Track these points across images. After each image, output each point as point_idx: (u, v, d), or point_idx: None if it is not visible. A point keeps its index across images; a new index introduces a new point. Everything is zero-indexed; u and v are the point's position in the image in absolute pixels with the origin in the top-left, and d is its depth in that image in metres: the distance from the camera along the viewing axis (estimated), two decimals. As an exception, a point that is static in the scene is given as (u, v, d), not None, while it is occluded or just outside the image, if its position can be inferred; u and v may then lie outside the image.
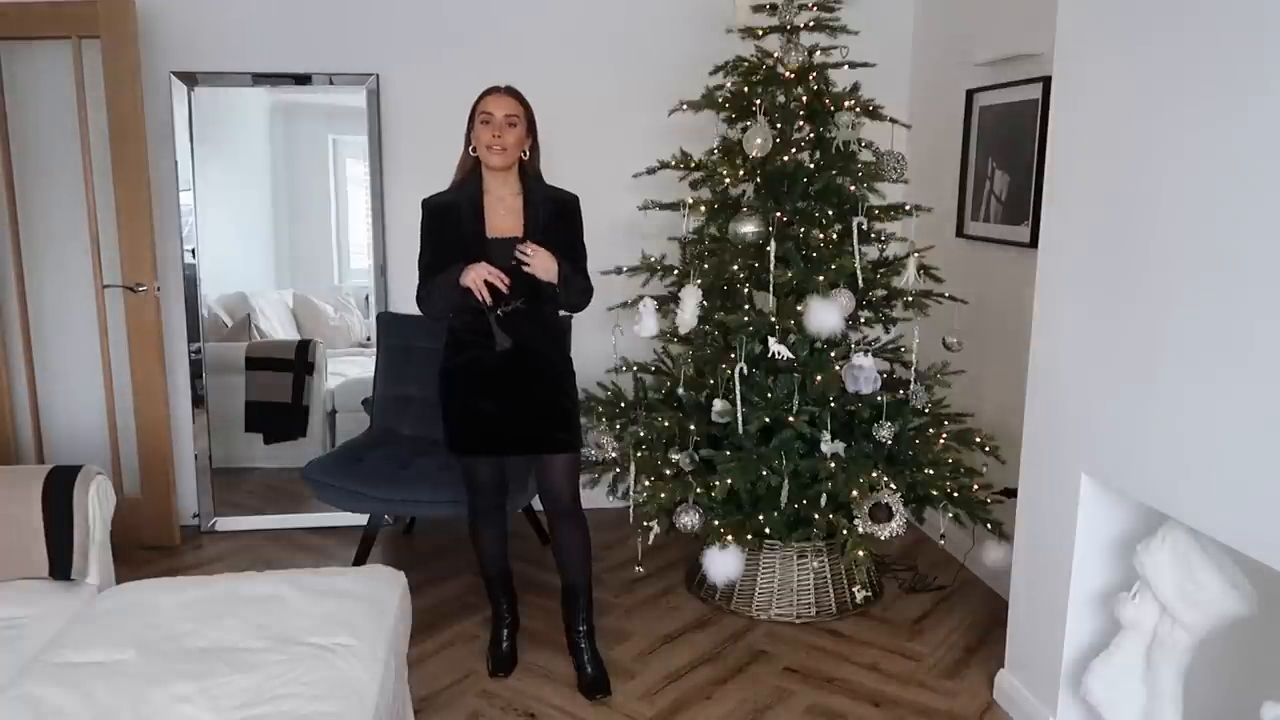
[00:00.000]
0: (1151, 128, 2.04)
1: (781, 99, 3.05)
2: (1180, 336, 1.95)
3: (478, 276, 2.42)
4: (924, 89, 3.93)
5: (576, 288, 2.57)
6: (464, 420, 2.62)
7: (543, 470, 2.66)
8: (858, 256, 2.96)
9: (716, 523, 2.92)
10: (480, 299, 2.43)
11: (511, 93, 2.51)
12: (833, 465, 2.88)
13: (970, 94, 3.51)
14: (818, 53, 3.09)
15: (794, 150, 3.01)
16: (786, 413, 2.93)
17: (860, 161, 3.09)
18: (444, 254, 2.52)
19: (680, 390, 3.15)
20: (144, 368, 3.60)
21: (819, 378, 2.92)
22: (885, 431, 2.94)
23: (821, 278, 2.90)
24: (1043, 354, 2.47)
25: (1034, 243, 2.75)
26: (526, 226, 2.51)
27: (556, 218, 2.56)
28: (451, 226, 2.53)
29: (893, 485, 2.81)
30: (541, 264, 2.45)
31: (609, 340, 3.27)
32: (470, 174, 2.55)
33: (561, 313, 2.69)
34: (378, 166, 3.82)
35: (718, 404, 3.00)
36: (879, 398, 2.97)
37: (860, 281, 2.98)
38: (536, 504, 3.39)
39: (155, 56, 3.61)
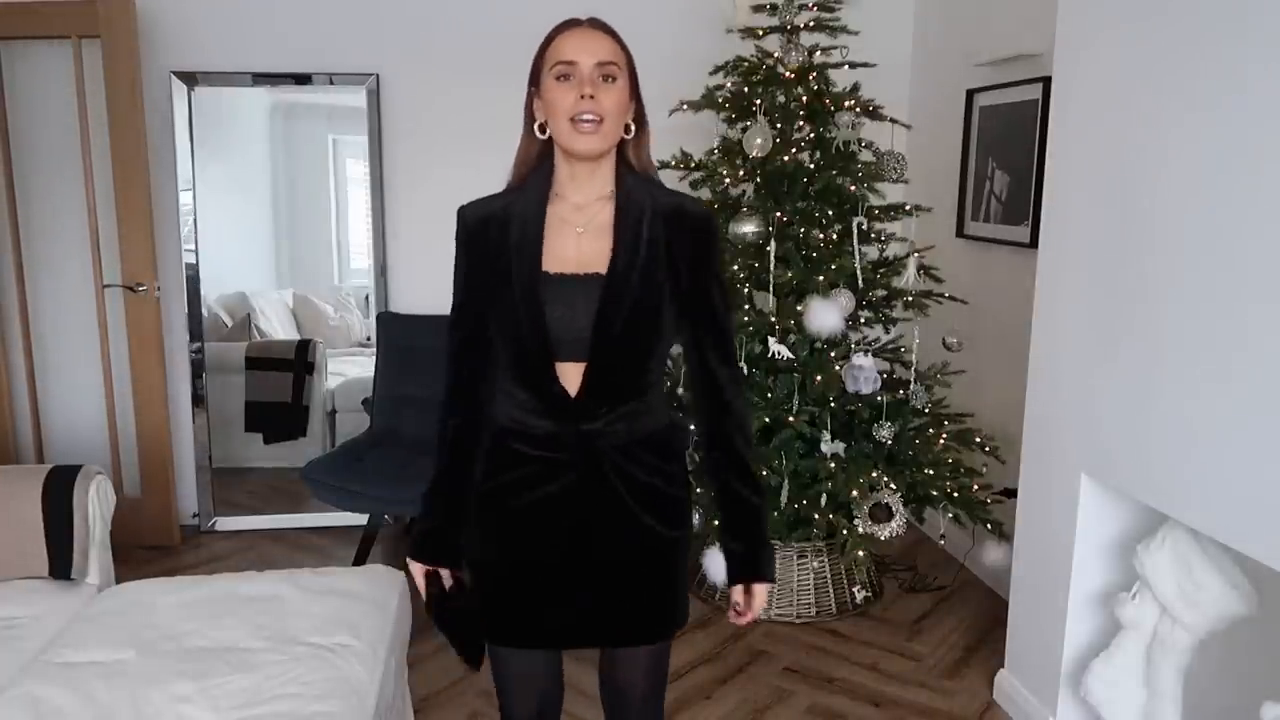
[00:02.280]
0: (1151, 128, 2.04)
1: (781, 99, 3.05)
2: (1180, 336, 1.95)
3: (422, 586, 1.61)
4: (924, 89, 3.93)
5: (755, 520, 1.58)
6: (505, 584, 1.59)
7: (613, 659, 1.71)
8: (858, 256, 2.96)
9: (716, 523, 2.92)
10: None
11: (602, 27, 1.47)
12: (833, 465, 2.88)
13: (970, 94, 3.51)
14: (818, 53, 3.09)
15: (794, 150, 3.01)
16: (786, 413, 2.93)
17: (860, 161, 3.09)
18: (479, 295, 1.52)
19: (680, 390, 3.15)
20: (144, 368, 3.60)
21: (819, 378, 2.92)
22: (885, 431, 2.94)
23: (821, 278, 2.91)
24: (1043, 354, 2.47)
25: (1034, 243, 2.75)
26: (616, 260, 1.45)
27: (675, 244, 1.48)
28: (494, 253, 1.49)
29: (893, 485, 2.81)
30: (762, 603, 1.58)
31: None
32: (535, 168, 1.51)
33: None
34: (378, 166, 3.82)
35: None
36: (879, 398, 2.97)
37: (860, 281, 2.98)
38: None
39: (155, 56, 3.61)
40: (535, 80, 1.47)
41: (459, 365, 1.56)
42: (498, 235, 1.49)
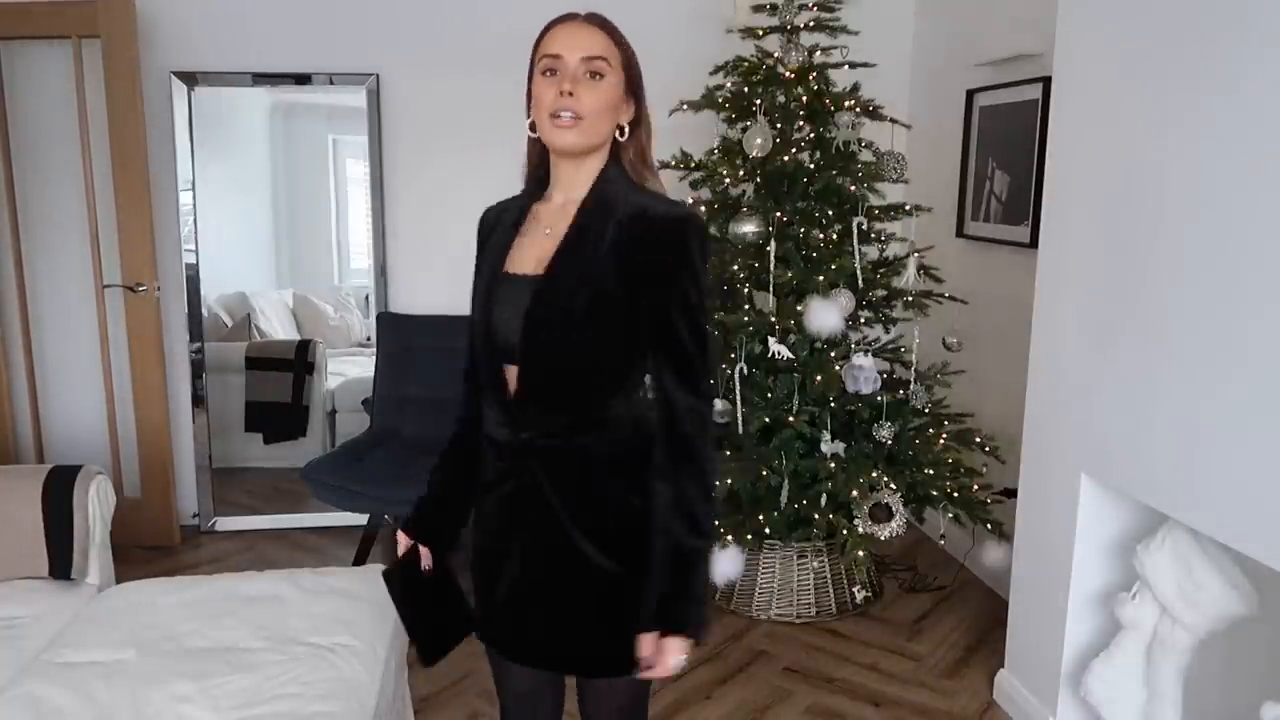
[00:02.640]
0: (1151, 127, 2.04)
1: (781, 99, 3.04)
2: (1180, 336, 1.95)
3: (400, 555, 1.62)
4: (924, 89, 3.93)
5: (687, 573, 1.39)
6: (479, 585, 1.59)
7: (582, 694, 1.61)
8: (858, 256, 2.96)
9: (716, 523, 2.92)
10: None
11: (596, 21, 1.42)
12: (833, 465, 2.88)
13: (970, 94, 3.51)
14: (818, 53, 3.09)
15: (794, 150, 3.01)
16: (786, 413, 2.93)
17: (860, 161, 3.09)
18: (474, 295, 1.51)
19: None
20: (144, 368, 3.60)
21: (819, 378, 2.92)
22: (885, 431, 2.94)
23: (821, 278, 2.91)
24: (1043, 354, 2.47)
25: (1034, 243, 2.75)
26: (555, 262, 1.40)
27: (630, 253, 1.38)
28: (485, 252, 1.52)
29: (893, 485, 2.81)
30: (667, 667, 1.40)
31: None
32: (538, 165, 1.50)
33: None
34: (378, 166, 3.82)
35: (718, 404, 3.00)
36: (879, 398, 2.97)
37: (860, 281, 2.98)
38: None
39: (155, 56, 3.61)
40: (531, 73, 1.43)
41: (468, 363, 1.55)
42: (492, 233, 1.52)
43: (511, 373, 1.41)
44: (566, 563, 1.45)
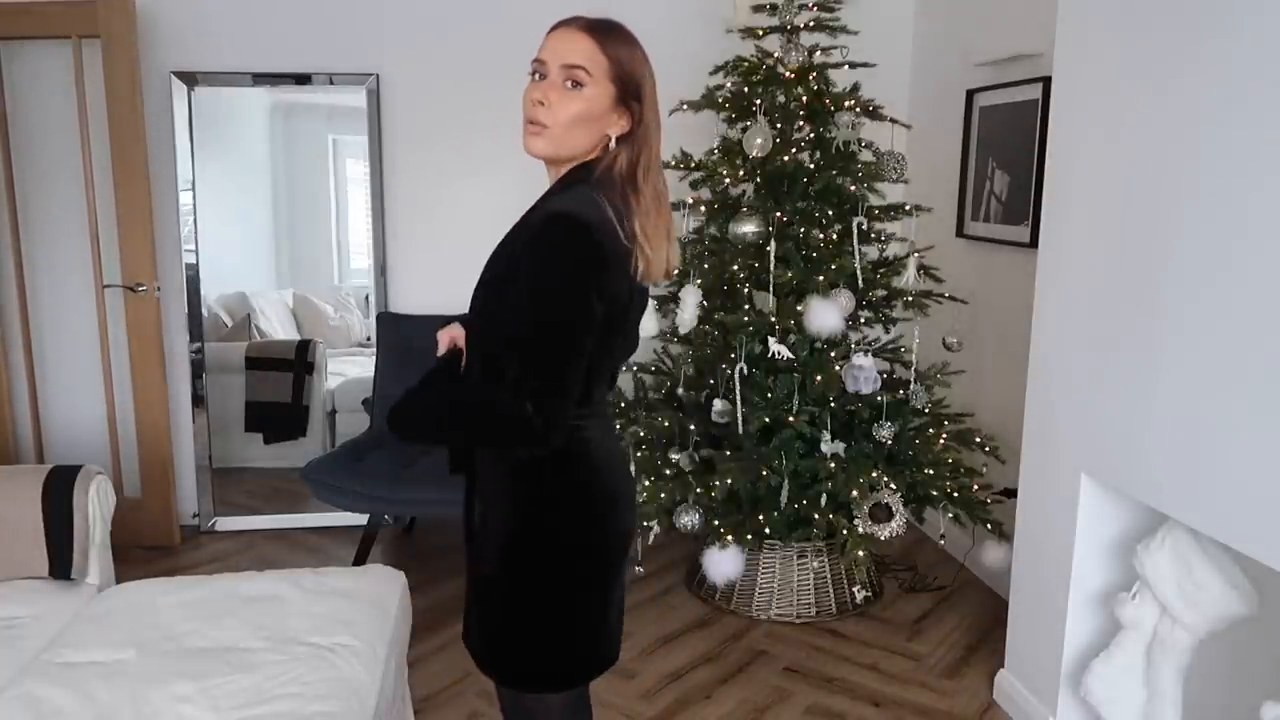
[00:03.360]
0: (1151, 127, 2.04)
1: (781, 99, 3.04)
2: (1180, 336, 1.95)
3: (445, 336, 1.55)
4: (924, 89, 3.93)
5: (419, 403, 1.43)
6: None
7: None
8: (858, 256, 2.96)
9: (716, 523, 2.93)
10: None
11: (589, 27, 1.38)
12: (833, 465, 2.88)
13: (970, 94, 3.51)
14: (818, 53, 3.09)
15: (794, 150, 3.01)
16: (786, 413, 2.93)
17: (860, 161, 3.09)
18: None
19: (680, 390, 3.15)
20: (144, 368, 3.60)
21: (819, 378, 2.92)
22: (885, 431, 2.94)
23: (821, 278, 2.91)
24: (1043, 354, 2.47)
25: (1034, 243, 2.75)
26: (484, 271, 1.43)
27: (508, 260, 1.37)
28: None
29: (893, 485, 2.81)
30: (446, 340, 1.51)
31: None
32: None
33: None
34: (378, 166, 3.82)
35: (718, 404, 3.00)
36: (879, 398, 2.97)
37: (860, 281, 2.98)
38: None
39: (155, 56, 3.61)
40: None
41: None
42: None
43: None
44: (472, 552, 1.51)
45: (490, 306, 1.37)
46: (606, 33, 1.38)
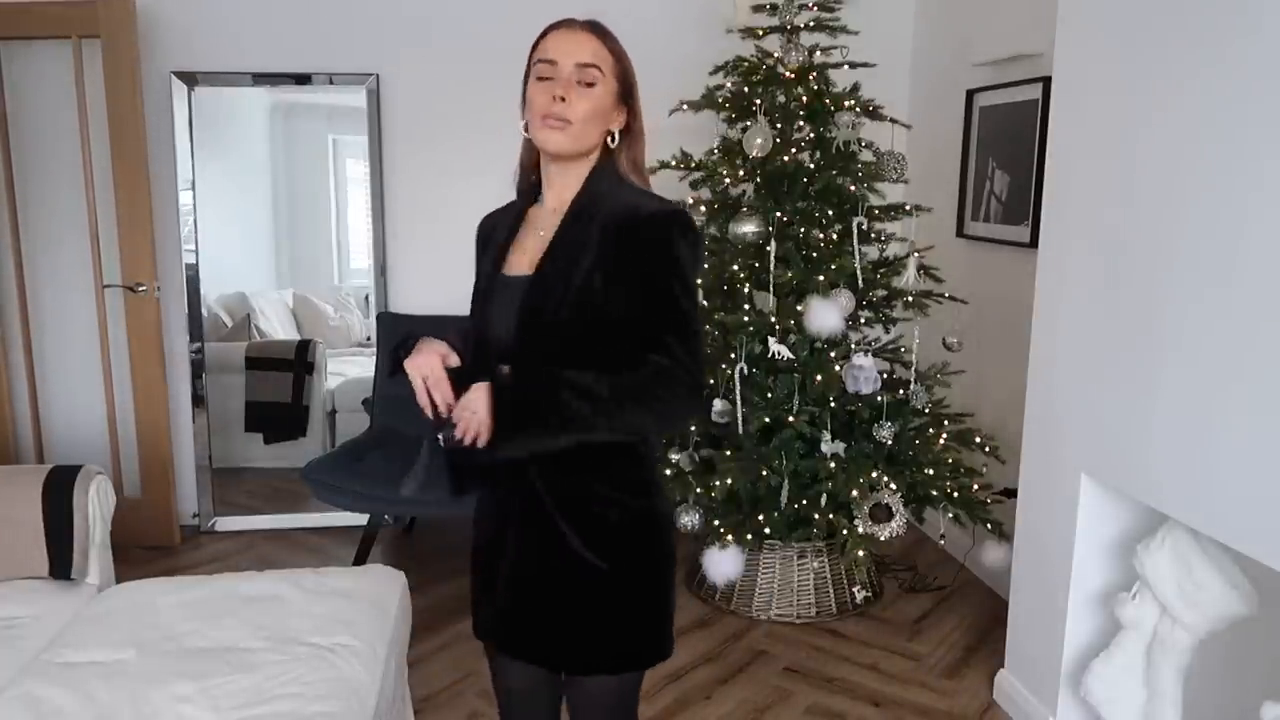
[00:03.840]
0: (1151, 127, 2.04)
1: (781, 99, 3.05)
2: (1180, 336, 1.95)
3: (417, 370, 1.42)
4: (924, 89, 3.93)
5: (615, 420, 1.38)
6: (476, 580, 1.63)
7: (569, 693, 1.62)
8: (858, 256, 2.96)
9: (716, 523, 2.93)
10: (420, 406, 1.42)
11: (593, 28, 1.45)
12: (833, 465, 2.88)
13: (970, 94, 3.51)
14: (818, 53, 3.09)
15: (794, 150, 3.01)
16: (786, 413, 2.93)
17: (860, 161, 3.09)
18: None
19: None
20: (144, 368, 3.60)
21: (819, 378, 2.92)
22: (885, 431, 2.94)
23: (821, 278, 2.91)
24: (1043, 354, 2.47)
25: (1034, 243, 2.75)
26: (544, 262, 1.43)
27: (614, 250, 1.40)
28: (483, 257, 1.58)
29: (893, 485, 2.81)
30: (471, 420, 1.34)
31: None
32: (532, 167, 1.54)
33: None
34: (378, 166, 3.82)
35: (718, 404, 3.00)
36: (879, 398, 2.97)
37: (860, 281, 2.98)
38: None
39: (155, 56, 3.61)
40: (526, 77, 1.46)
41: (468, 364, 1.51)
42: (491, 235, 1.57)
43: (505, 370, 1.40)
44: (557, 559, 1.46)
45: (606, 288, 1.38)
46: (606, 33, 1.46)
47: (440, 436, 1.41)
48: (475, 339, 1.49)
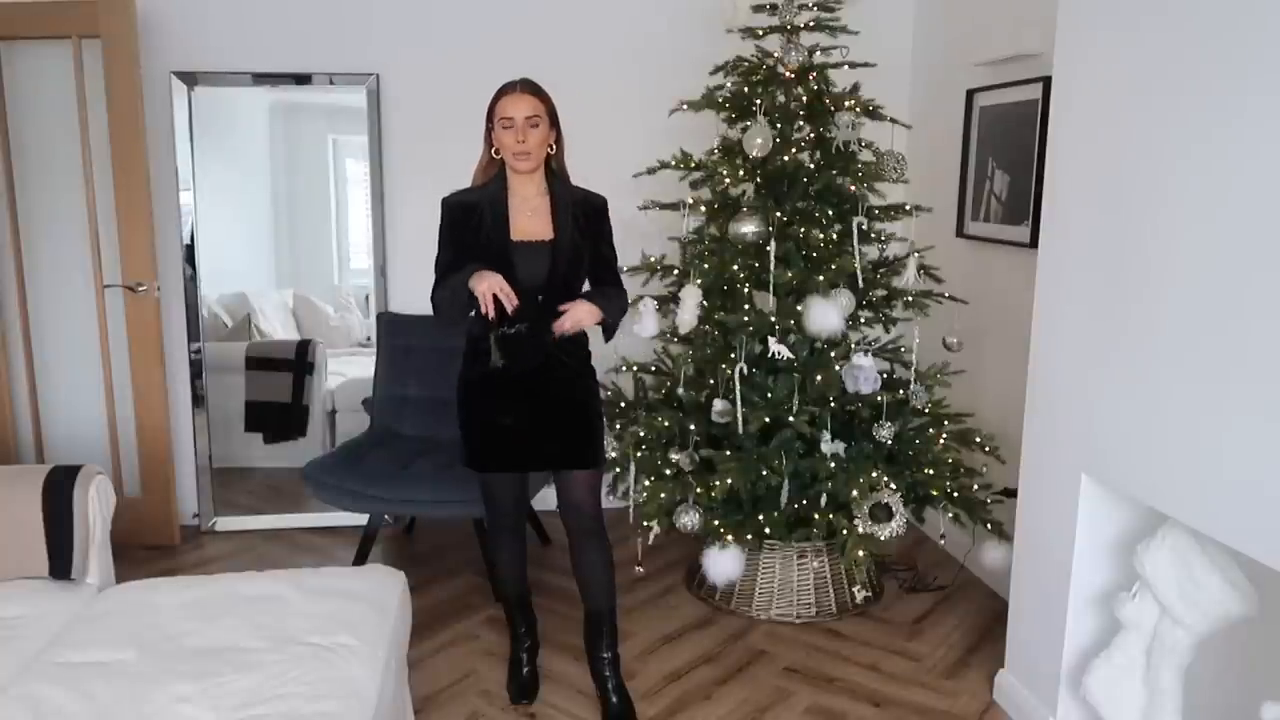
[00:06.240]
0: (1151, 128, 2.04)
1: (781, 99, 3.05)
2: (1180, 336, 1.95)
3: (488, 289, 2.22)
4: (924, 89, 3.93)
5: (617, 308, 2.46)
6: (482, 435, 2.45)
7: (564, 486, 2.50)
8: (858, 256, 2.96)
9: (716, 523, 2.92)
10: (485, 312, 2.24)
11: (529, 88, 2.32)
12: (833, 465, 2.88)
13: (970, 94, 3.51)
14: (818, 53, 3.09)
15: (794, 150, 3.01)
16: (786, 413, 2.93)
17: (860, 161, 3.09)
18: (466, 256, 2.34)
19: (680, 390, 3.15)
20: (144, 368, 3.60)
21: (819, 378, 2.92)
22: (885, 431, 2.94)
23: (821, 278, 2.91)
24: (1043, 354, 2.47)
25: (1034, 243, 2.75)
26: (557, 231, 2.36)
27: (587, 221, 2.41)
28: (474, 229, 2.36)
29: (893, 485, 2.81)
30: (583, 316, 2.35)
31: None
32: (493, 174, 2.41)
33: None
34: (378, 166, 3.82)
35: (718, 404, 3.00)
36: (879, 398, 2.97)
37: (860, 281, 2.98)
38: (537, 505, 3.40)
39: (155, 56, 3.61)
40: (490, 123, 2.36)
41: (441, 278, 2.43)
42: (476, 217, 2.38)
43: (538, 297, 2.34)
44: (573, 392, 2.47)
45: (588, 244, 2.43)
46: (538, 89, 2.35)
47: (502, 331, 2.32)
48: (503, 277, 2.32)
